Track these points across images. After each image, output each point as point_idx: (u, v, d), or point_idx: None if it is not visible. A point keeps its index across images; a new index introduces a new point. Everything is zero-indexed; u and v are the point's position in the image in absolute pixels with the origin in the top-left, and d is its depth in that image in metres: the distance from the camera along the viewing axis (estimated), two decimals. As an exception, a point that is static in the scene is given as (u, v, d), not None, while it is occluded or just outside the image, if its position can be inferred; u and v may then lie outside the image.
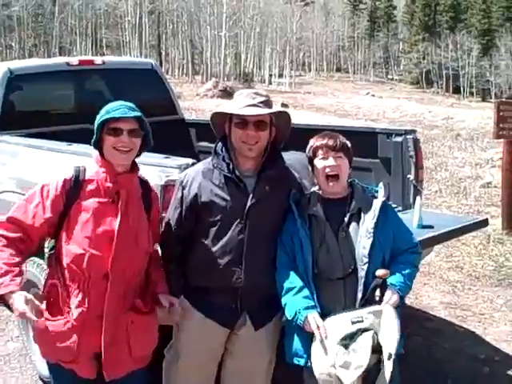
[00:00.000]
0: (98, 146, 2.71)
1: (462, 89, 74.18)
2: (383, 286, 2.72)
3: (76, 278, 2.66)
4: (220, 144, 2.90)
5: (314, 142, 2.91)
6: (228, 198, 2.83)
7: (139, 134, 2.71)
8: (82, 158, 4.00)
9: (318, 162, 2.85)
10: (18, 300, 2.49)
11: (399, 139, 4.64)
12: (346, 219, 2.81)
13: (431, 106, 36.57)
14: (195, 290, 2.93)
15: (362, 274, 2.75)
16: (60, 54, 48.98)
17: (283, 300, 2.81)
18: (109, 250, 2.64)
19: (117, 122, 2.65)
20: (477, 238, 7.50)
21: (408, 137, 4.65)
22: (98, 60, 6.09)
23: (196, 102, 29.79)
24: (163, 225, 2.96)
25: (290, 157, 4.91)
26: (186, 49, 62.29)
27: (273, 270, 2.87)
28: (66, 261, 2.66)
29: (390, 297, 2.72)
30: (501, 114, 7.95)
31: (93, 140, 2.69)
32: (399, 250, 2.85)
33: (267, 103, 2.86)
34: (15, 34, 54.38)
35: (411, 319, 5.07)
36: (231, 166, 2.84)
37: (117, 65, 6.32)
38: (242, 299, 2.87)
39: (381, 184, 2.93)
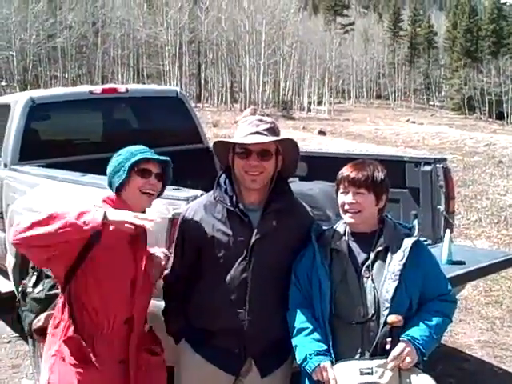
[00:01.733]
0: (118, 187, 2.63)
1: (505, 115, 72.90)
2: (396, 335, 2.45)
3: (100, 325, 2.58)
4: (223, 176, 2.70)
5: (341, 171, 2.67)
6: (231, 233, 2.62)
7: (162, 178, 2.69)
8: (96, 190, 3.91)
9: (339, 196, 2.64)
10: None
11: (428, 168, 4.41)
12: (372, 257, 2.56)
13: (473, 132, 35.95)
14: (197, 332, 2.71)
15: (383, 320, 2.48)
16: (103, 84, 50.01)
17: (294, 341, 2.58)
18: (131, 293, 2.60)
19: (147, 164, 2.62)
20: (518, 271, 7.12)
21: (438, 165, 4.41)
22: (122, 88, 6.00)
23: (233, 129, 29.86)
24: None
25: (314, 186, 4.76)
26: (225, 77, 62.93)
27: (281, 311, 2.65)
28: (88, 308, 2.55)
29: (401, 351, 2.43)
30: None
31: (120, 181, 2.60)
32: (429, 297, 2.58)
33: (272, 130, 2.65)
34: (59, 65, 55.75)
35: (445, 359, 4.76)
36: (234, 199, 2.63)
37: (141, 93, 6.23)
38: (247, 343, 2.64)
39: (415, 221, 2.71)
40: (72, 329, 2.55)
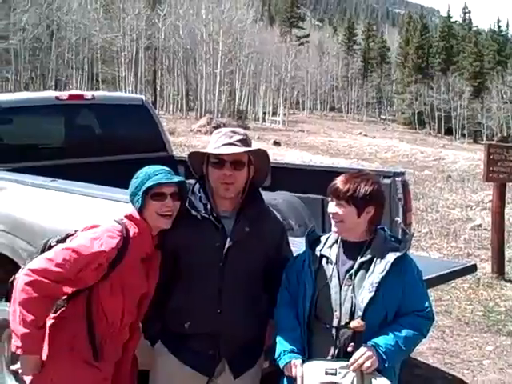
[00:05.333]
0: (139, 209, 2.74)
1: (453, 130, 74.90)
2: (358, 340, 2.60)
3: (112, 327, 2.71)
4: (197, 185, 2.83)
5: (333, 181, 2.78)
6: (205, 240, 2.74)
7: (179, 196, 2.76)
8: (66, 195, 3.98)
9: (328, 205, 2.76)
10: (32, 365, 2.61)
11: (388, 181, 4.59)
12: (355, 267, 2.67)
13: (423, 146, 36.87)
14: (173, 335, 2.82)
15: None
16: (56, 88, 49.23)
17: (275, 338, 2.72)
18: (139, 304, 2.78)
19: (160, 187, 2.69)
20: (466, 282, 7.41)
21: (397, 179, 4.60)
22: (88, 95, 6.04)
23: (189, 138, 29.91)
24: None
25: (277, 197, 4.91)
26: (181, 85, 62.80)
27: (253, 314, 2.79)
28: (106, 312, 2.68)
29: (362, 354, 2.56)
30: (491, 157, 7.93)
31: (138, 206, 2.71)
32: (405, 311, 2.66)
33: (245, 141, 2.79)
34: (12, 67, 54.61)
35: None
36: (209, 207, 2.76)
37: (107, 100, 6.27)
38: (221, 345, 2.77)
39: (407, 237, 2.78)
40: (86, 329, 2.67)
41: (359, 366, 2.55)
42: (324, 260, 2.74)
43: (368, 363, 2.55)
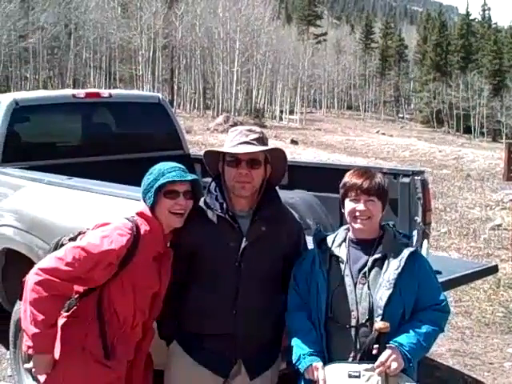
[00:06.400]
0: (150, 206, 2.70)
1: (472, 129, 74.24)
2: (383, 341, 2.54)
3: (123, 326, 2.69)
4: (213, 183, 2.80)
5: (348, 179, 2.71)
6: (221, 239, 2.71)
7: (192, 195, 2.72)
8: (83, 193, 3.96)
9: (348, 204, 2.69)
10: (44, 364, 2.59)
11: (407, 180, 4.52)
12: (369, 265, 2.64)
13: (442, 145, 36.53)
14: (188, 335, 2.79)
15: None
16: (74, 86, 49.49)
17: (291, 342, 2.68)
18: (152, 303, 2.76)
19: (173, 185, 2.65)
20: (486, 283, 7.30)
21: (416, 178, 4.52)
22: (105, 93, 6.04)
23: (206, 136, 29.91)
24: None
25: (294, 195, 4.86)
26: (198, 83, 62.90)
27: (270, 315, 2.75)
28: (118, 311, 2.66)
29: (388, 357, 2.52)
30: (511, 155, 7.84)
31: (150, 203, 2.68)
32: (422, 306, 2.64)
33: (261, 140, 2.75)
34: (30, 66, 55.04)
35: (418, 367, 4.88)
36: (225, 206, 2.72)
37: (123, 98, 6.27)
38: (237, 346, 2.73)
39: (415, 232, 2.76)
40: (98, 328, 2.64)
41: (386, 368, 2.50)
42: (334, 260, 2.70)
43: (394, 365, 2.51)
